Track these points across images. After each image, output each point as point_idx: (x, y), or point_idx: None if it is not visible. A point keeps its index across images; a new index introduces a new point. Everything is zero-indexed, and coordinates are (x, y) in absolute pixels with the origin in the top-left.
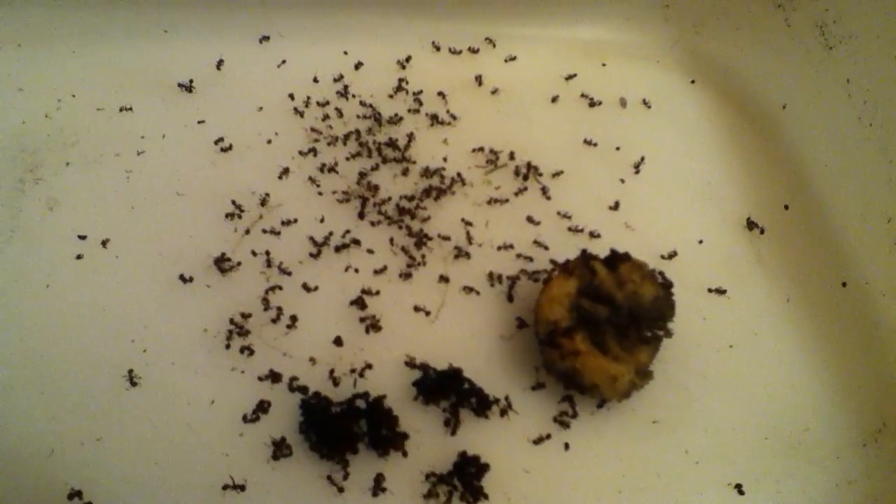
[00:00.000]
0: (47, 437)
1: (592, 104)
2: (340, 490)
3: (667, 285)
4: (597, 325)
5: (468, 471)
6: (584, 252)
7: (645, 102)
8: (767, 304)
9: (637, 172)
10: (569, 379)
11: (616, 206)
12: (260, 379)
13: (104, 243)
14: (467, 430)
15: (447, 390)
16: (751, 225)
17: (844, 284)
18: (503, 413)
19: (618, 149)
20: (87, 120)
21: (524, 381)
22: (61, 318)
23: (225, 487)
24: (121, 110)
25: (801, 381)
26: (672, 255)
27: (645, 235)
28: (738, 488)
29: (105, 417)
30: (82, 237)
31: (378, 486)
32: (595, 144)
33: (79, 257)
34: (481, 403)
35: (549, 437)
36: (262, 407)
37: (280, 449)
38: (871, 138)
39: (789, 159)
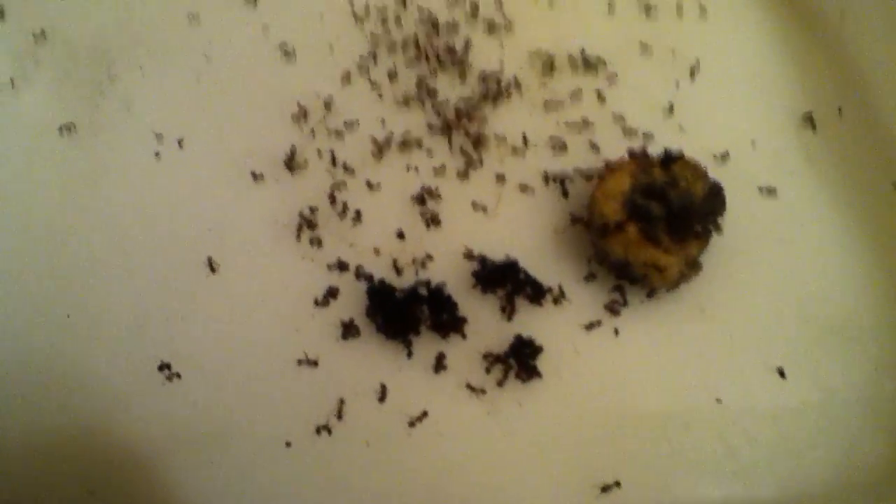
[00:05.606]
0: (136, 314)
1: (649, 9)
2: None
3: (717, 183)
4: (649, 220)
5: (523, 351)
6: (636, 150)
7: (701, 7)
8: (816, 202)
9: (692, 76)
10: (620, 269)
11: (671, 109)
12: (329, 268)
13: (180, 143)
14: (522, 316)
15: (503, 280)
16: (807, 120)
17: (895, 185)
18: (556, 301)
19: (673, 53)
20: (158, 25)
21: (577, 273)
22: (143, 209)
23: (300, 362)
24: (189, 17)
25: (845, 274)
26: (724, 156)
27: (698, 137)
28: (780, 372)
29: (188, 299)
30: (158, 135)
31: (440, 364)
32: (651, 49)
33: (157, 155)
34: (536, 292)
35: (599, 323)
36: (332, 292)
37: (349, 330)
38: None
39: (845, 64)
